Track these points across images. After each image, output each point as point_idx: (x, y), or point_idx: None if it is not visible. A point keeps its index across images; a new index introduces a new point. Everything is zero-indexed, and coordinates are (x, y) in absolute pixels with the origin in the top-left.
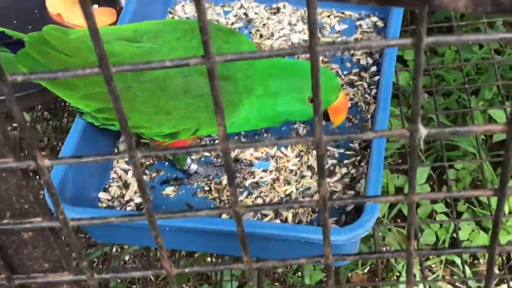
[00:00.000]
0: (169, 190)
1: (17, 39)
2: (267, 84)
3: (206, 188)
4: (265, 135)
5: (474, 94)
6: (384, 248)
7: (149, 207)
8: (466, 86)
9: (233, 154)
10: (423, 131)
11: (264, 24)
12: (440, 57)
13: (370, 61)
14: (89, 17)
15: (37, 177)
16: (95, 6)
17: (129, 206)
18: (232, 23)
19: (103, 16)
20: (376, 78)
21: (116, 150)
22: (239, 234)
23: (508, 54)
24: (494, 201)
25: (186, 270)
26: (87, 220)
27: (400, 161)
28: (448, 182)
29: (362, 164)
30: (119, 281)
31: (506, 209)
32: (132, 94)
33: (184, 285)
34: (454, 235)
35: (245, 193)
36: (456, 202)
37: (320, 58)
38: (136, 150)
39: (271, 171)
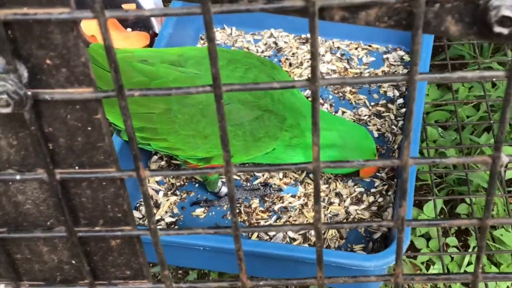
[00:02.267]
0: (199, 211)
1: None
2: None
3: (236, 211)
4: None
5: (486, 130)
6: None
7: (237, 221)
8: (491, 121)
9: (262, 179)
10: (504, 159)
11: (293, 53)
12: (456, 93)
13: (397, 93)
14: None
15: None
16: (129, 29)
17: (160, 225)
18: (262, 51)
19: (136, 39)
20: (403, 110)
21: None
22: (318, 251)
23: None
24: (506, 236)
25: (261, 283)
26: (175, 230)
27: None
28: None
29: (389, 193)
30: None
31: None
32: (172, 117)
33: None
34: (467, 269)
35: (274, 218)
36: (468, 235)
37: (348, 89)
38: (231, 166)
39: (299, 197)
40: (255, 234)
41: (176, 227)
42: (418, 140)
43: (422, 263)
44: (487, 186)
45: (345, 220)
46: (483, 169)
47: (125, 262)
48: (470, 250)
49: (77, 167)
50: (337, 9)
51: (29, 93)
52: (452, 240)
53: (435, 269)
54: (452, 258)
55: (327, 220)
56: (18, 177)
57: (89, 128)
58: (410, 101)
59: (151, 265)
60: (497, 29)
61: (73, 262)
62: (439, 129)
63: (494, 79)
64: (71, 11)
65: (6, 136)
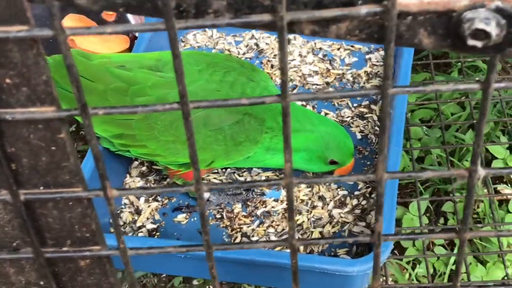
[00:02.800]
0: (181, 217)
1: None
2: (292, 139)
3: (218, 216)
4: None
5: (471, 127)
6: (388, 281)
7: (208, 239)
8: (474, 121)
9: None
10: (481, 172)
11: (275, 55)
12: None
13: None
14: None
15: None
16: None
17: (141, 232)
18: (244, 53)
19: (116, 43)
20: None
21: (128, 176)
22: (293, 266)
23: (505, 90)
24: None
25: None
26: (145, 249)
27: (398, 191)
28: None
29: (372, 195)
30: None
31: (505, 242)
32: (151, 123)
33: None
34: (453, 267)
35: (257, 222)
36: None
37: (331, 90)
38: (202, 183)
39: (282, 201)
40: (238, 240)
41: (158, 234)
42: (401, 144)
43: (408, 263)
44: (465, 199)
45: (328, 224)
46: (464, 175)
47: (95, 282)
48: (456, 248)
49: (42, 187)
50: (306, 23)
51: None
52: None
53: (421, 267)
54: (439, 257)
55: (311, 223)
56: None
57: (53, 148)
58: (384, 115)
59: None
60: (471, 42)
61: (41, 283)
62: (424, 127)
63: (468, 91)
64: (29, 28)
65: None
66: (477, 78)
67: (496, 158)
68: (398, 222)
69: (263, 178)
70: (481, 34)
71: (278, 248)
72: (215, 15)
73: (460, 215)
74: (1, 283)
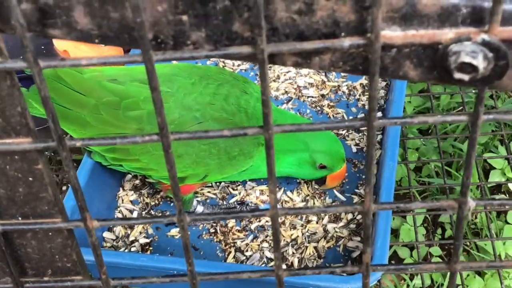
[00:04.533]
0: (174, 231)
1: (29, 75)
2: (280, 141)
3: (212, 231)
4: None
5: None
6: None
7: (193, 270)
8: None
9: (239, 197)
10: (471, 203)
11: (270, 67)
12: (436, 100)
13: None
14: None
15: None
16: (102, 44)
17: (134, 246)
18: (239, 65)
19: (109, 54)
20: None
21: (121, 189)
22: None
23: (503, 100)
24: (489, 245)
25: None
26: (128, 279)
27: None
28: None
29: None
30: None
31: (503, 253)
32: None
33: None
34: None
35: (251, 237)
36: (452, 245)
37: (326, 103)
38: (185, 215)
39: None
40: (231, 255)
41: (151, 248)
42: (396, 157)
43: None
44: (455, 230)
45: (323, 239)
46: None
47: None
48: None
49: (20, 218)
50: (288, 55)
51: None
52: (435, 250)
53: (419, 279)
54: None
55: (305, 238)
56: None
57: (30, 179)
58: (370, 147)
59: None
60: (458, 75)
61: None
62: (421, 139)
63: (456, 123)
64: (3, 60)
65: None
66: (473, 91)
67: (494, 168)
68: (395, 232)
69: (257, 192)
70: (467, 67)
71: (272, 264)
72: (194, 46)
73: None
74: None
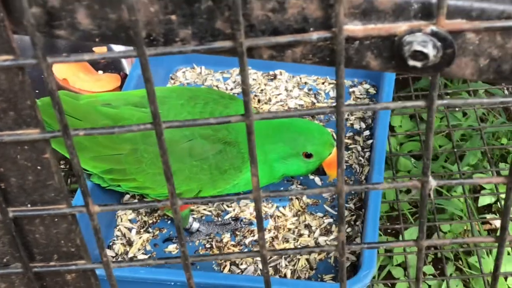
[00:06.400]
0: (171, 248)
1: None
2: (264, 144)
3: (208, 246)
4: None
5: (460, 159)
6: None
7: (185, 250)
8: (455, 150)
9: (233, 214)
10: (433, 183)
11: (261, 90)
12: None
13: (363, 125)
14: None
15: None
16: (100, 72)
17: None
18: (231, 89)
19: (107, 81)
20: (369, 141)
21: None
22: (265, 276)
23: (491, 122)
24: (484, 262)
25: None
26: (126, 262)
27: (388, 224)
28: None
29: (357, 223)
30: None
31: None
32: (139, 156)
33: None
34: None
35: (245, 251)
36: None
37: (316, 122)
38: (177, 198)
39: (270, 230)
40: (227, 268)
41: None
42: (383, 172)
43: None
44: (419, 208)
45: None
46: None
47: None
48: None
49: (29, 205)
50: (264, 48)
51: None
52: (428, 269)
53: None
54: (430, 286)
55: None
56: None
57: (39, 167)
58: (339, 130)
59: None
60: (411, 62)
61: None
62: (412, 159)
63: (415, 108)
64: (15, 58)
65: None
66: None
67: (484, 188)
68: (389, 251)
69: (251, 208)
70: (419, 55)
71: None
72: (182, 43)
73: (449, 246)
74: None
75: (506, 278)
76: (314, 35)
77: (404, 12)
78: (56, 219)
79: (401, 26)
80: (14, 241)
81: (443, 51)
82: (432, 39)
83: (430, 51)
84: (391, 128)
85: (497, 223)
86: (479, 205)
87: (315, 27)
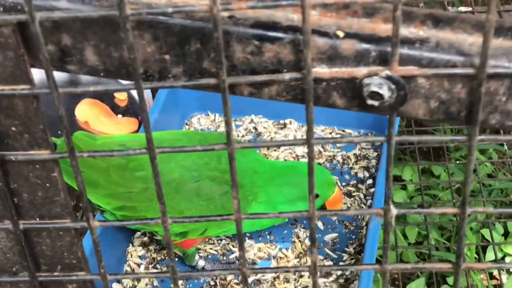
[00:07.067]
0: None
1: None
2: (268, 186)
3: (212, 283)
4: (268, 236)
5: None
6: None
7: (174, 266)
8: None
9: (238, 253)
10: (393, 211)
11: (271, 138)
12: (437, 178)
13: (366, 174)
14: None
15: None
16: (120, 116)
17: None
18: (243, 136)
19: (125, 125)
20: (372, 190)
21: (130, 245)
22: None
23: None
24: None
25: None
26: (121, 275)
27: None
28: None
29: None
30: None
31: None
32: (149, 194)
33: None
34: None
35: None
36: None
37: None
38: (167, 216)
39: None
40: None
41: None
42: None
43: None
44: (384, 234)
45: None
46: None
47: None
48: None
49: (38, 218)
50: (244, 85)
51: None
52: None
53: None
54: None
55: None
56: None
57: (48, 185)
58: (309, 161)
59: None
60: (369, 101)
61: None
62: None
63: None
64: (31, 87)
65: None
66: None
67: (490, 243)
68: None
69: (255, 249)
70: (376, 95)
71: None
72: (174, 79)
73: None
74: None
75: None
76: (287, 76)
77: (363, 58)
78: (61, 233)
79: (361, 70)
80: (23, 252)
81: (397, 93)
82: (387, 82)
83: (385, 92)
84: (401, 181)
85: (504, 278)
86: (486, 259)
87: (288, 68)
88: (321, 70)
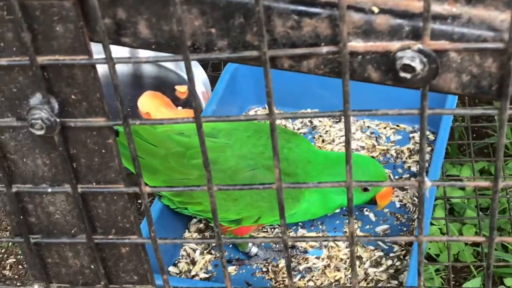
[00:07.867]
0: (231, 269)
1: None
2: (323, 177)
3: (264, 269)
4: (320, 226)
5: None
6: None
7: (219, 232)
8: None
9: (290, 242)
10: (428, 183)
11: (326, 131)
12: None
13: None
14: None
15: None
16: (180, 108)
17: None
18: (298, 128)
19: (184, 115)
20: None
21: (187, 231)
22: (286, 260)
23: None
24: None
25: None
26: (170, 239)
27: (452, 275)
28: None
29: (406, 257)
30: None
31: None
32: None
33: None
34: None
35: (299, 276)
36: None
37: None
38: (212, 183)
39: (323, 258)
40: None
41: (210, 281)
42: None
43: None
44: (418, 206)
45: (363, 281)
46: None
47: (133, 268)
48: None
49: (94, 183)
50: (284, 58)
51: (58, 120)
52: None
53: None
54: None
55: (347, 280)
56: (49, 190)
57: (103, 151)
58: (346, 132)
59: None
60: (402, 74)
61: (92, 267)
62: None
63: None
64: (89, 58)
65: (41, 156)
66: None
67: None
68: None
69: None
70: (409, 68)
71: None
72: (219, 51)
73: None
74: (61, 266)
75: None
76: (324, 49)
77: (397, 33)
78: (115, 197)
79: (395, 44)
80: (80, 215)
81: (428, 66)
82: (419, 55)
83: (417, 65)
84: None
85: None
86: None
87: (325, 42)
88: (357, 44)
